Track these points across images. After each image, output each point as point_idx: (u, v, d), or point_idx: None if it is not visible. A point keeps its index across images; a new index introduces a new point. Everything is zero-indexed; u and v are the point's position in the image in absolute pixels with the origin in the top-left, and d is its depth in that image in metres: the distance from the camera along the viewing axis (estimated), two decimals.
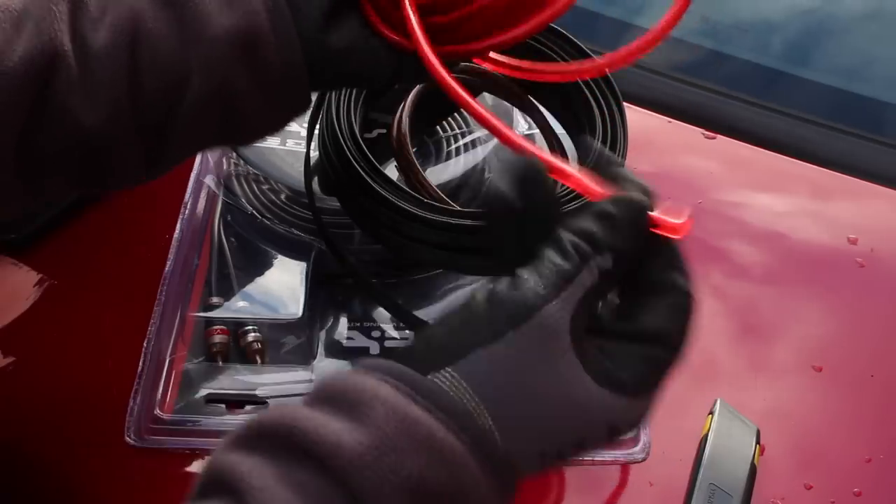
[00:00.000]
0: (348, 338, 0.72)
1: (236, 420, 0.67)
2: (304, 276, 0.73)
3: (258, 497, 0.36)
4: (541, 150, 0.46)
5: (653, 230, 0.43)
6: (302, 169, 0.72)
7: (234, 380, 0.69)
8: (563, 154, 0.72)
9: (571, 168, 0.45)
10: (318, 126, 0.70)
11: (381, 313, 0.73)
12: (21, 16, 0.49)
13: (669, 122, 0.91)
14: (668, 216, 0.43)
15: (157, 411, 0.67)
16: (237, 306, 0.73)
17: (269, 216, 0.76)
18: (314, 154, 0.71)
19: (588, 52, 0.71)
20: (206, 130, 0.54)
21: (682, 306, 0.44)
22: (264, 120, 0.56)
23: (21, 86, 0.48)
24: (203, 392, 0.68)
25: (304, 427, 0.37)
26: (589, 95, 0.69)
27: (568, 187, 0.52)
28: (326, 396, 0.39)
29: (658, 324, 0.43)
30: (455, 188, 0.73)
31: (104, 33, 0.50)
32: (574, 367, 0.40)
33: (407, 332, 0.71)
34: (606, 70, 0.66)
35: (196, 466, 0.67)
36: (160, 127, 0.52)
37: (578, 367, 0.41)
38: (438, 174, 0.73)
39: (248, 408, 0.68)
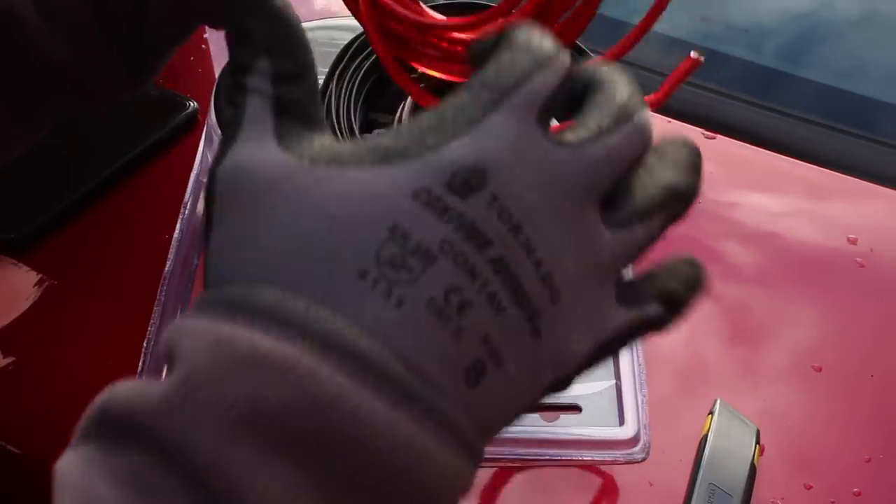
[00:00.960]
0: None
1: None
2: None
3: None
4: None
5: None
6: None
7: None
8: None
9: None
10: None
11: None
12: None
13: (669, 122, 0.91)
14: None
15: None
16: None
17: None
18: None
19: (588, 52, 0.70)
20: (184, 19, 0.47)
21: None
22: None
23: None
24: None
25: (117, 399, 0.29)
26: None
27: None
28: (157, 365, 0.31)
29: None
30: None
31: None
32: (315, 178, 0.30)
33: None
34: None
35: None
36: (134, 35, 0.47)
37: (324, 175, 0.30)
38: None
39: None
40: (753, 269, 0.82)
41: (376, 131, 0.72)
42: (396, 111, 0.71)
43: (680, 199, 0.35)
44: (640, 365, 0.70)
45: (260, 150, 0.31)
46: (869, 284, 0.81)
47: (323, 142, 0.31)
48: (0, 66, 0.45)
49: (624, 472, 0.68)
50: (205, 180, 0.77)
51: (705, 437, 0.67)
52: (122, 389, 0.29)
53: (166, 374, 0.28)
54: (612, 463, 0.67)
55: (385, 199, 0.29)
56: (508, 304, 0.29)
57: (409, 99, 0.71)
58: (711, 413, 0.68)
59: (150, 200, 0.82)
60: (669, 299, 0.36)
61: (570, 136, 0.32)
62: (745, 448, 0.67)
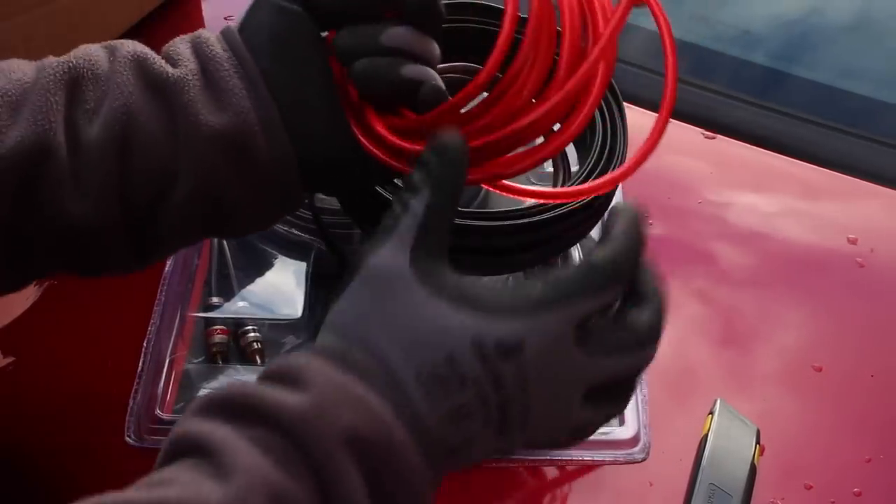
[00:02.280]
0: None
1: None
2: (304, 276, 0.73)
3: (225, 451, 0.40)
4: None
5: None
6: None
7: (234, 380, 0.69)
8: (562, 154, 0.72)
9: None
10: None
11: None
12: (18, 102, 0.50)
13: (669, 121, 0.91)
14: None
15: (158, 411, 0.67)
16: (237, 306, 0.73)
17: None
18: None
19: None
20: (195, 225, 0.54)
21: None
22: (254, 217, 0.56)
23: (9, 172, 0.49)
24: (203, 392, 0.68)
25: (255, 394, 0.42)
26: None
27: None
28: (268, 375, 0.44)
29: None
30: None
31: (97, 128, 0.51)
32: (423, 295, 0.45)
33: None
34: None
35: None
36: (148, 220, 0.53)
37: (429, 294, 0.45)
38: None
39: None
40: (752, 269, 0.82)
41: None
42: None
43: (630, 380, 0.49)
44: None
45: (396, 260, 0.45)
46: (869, 285, 0.81)
47: (439, 268, 0.45)
48: (23, 214, 0.51)
49: (624, 472, 0.68)
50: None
51: (705, 438, 0.67)
52: (254, 390, 0.42)
53: (284, 384, 0.43)
54: (612, 463, 0.67)
55: (453, 334, 0.44)
56: (494, 425, 0.45)
57: None
58: (711, 413, 0.68)
59: None
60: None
61: (592, 344, 0.45)
62: (745, 448, 0.67)
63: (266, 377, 0.44)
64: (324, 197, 0.71)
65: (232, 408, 0.42)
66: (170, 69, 0.52)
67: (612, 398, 0.49)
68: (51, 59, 0.52)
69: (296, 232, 0.75)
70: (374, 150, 0.54)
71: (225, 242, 0.76)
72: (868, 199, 0.88)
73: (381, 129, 0.54)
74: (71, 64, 0.52)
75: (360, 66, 0.52)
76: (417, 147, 0.51)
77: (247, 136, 0.52)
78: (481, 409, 0.44)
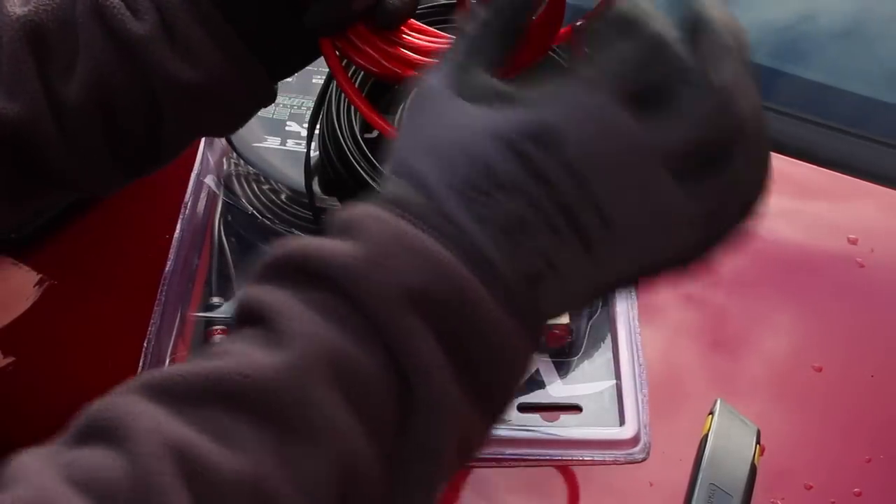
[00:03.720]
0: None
1: None
2: None
3: (278, 313, 0.37)
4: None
5: None
6: (302, 169, 0.72)
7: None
8: None
9: None
10: (318, 126, 0.70)
11: None
12: None
13: None
14: None
15: None
16: None
17: (269, 216, 0.76)
18: (314, 154, 0.71)
19: None
20: (185, 142, 0.59)
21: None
22: (238, 120, 0.61)
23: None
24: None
25: (310, 252, 0.38)
26: None
27: None
28: (330, 228, 0.40)
29: None
30: None
31: (75, 91, 0.53)
32: (454, 103, 0.41)
33: None
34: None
35: None
36: (138, 155, 0.57)
37: (460, 101, 0.41)
38: None
39: None
40: (750, 269, 0.82)
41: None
42: (397, 112, 0.71)
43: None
44: (640, 365, 0.70)
45: (437, 80, 0.42)
46: (869, 285, 0.81)
47: (478, 78, 0.41)
48: (15, 168, 0.54)
49: (624, 472, 0.68)
50: (205, 180, 0.77)
51: (705, 438, 0.67)
52: (309, 244, 0.38)
53: (340, 237, 0.38)
54: (613, 463, 0.67)
55: (482, 137, 0.39)
56: (566, 233, 0.38)
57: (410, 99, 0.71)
58: (712, 413, 0.68)
59: (150, 200, 0.82)
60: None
61: (644, 101, 0.38)
62: (745, 448, 0.67)
63: (328, 228, 0.40)
64: (324, 196, 0.71)
65: (286, 268, 0.39)
66: (133, 24, 0.53)
67: (711, 168, 0.39)
68: (8, 12, 0.53)
69: (296, 232, 0.75)
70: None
71: (225, 242, 0.76)
72: (869, 200, 0.88)
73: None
74: (31, 18, 0.53)
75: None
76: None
77: (222, 84, 0.55)
78: (536, 215, 0.38)
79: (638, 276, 0.41)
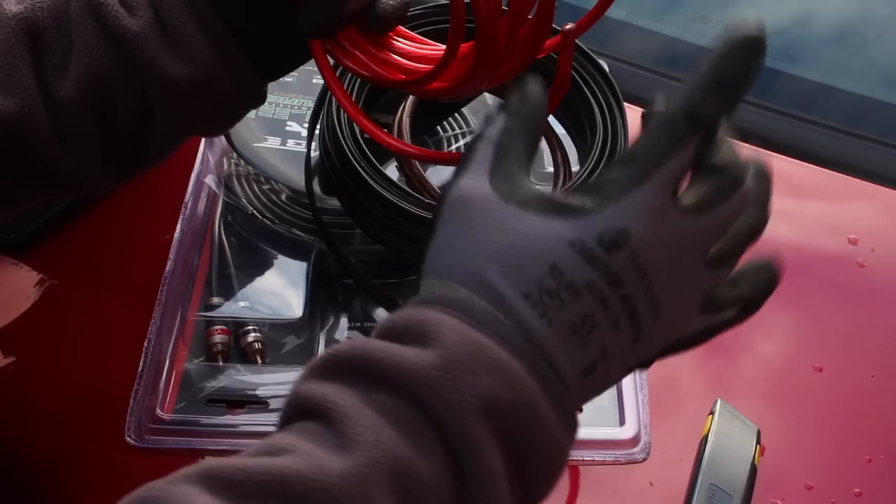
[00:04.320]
0: (348, 338, 0.72)
1: (237, 420, 0.67)
2: (304, 276, 0.73)
3: (344, 416, 0.37)
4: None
5: None
6: (302, 169, 0.72)
7: (235, 380, 0.69)
8: (563, 154, 0.72)
9: None
10: (318, 126, 0.70)
11: (381, 313, 0.73)
12: None
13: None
14: None
15: (158, 411, 0.67)
16: (237, 306, 0.73)
17: (269, 216, 0.76)
18: (314, 154, 0.71)
19: (588, 52, 0.71)
20: (176, 141, 0.59)
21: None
22: (228, 121, 0.61)
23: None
24: (203, 392, 0.68)
25: (379, 355, 0.39)
26: (589, 95, 0.69)
27: None
28: (392, 330, 0.40)
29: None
30: None
31: (70, 87, 0.53)
32: (511, 213, 0.42)
33: None
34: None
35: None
36: (131, 151, 0.57)
37: (517, 210, 0.42)
38: (439, 174, 0.73)
39: (248, 408, 0.68)
40: None
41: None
42: (396, 112, 0.71)
43: (754, 240, 0.47)
44: None
45: (477, 184, 0.43)
46: (869, 285, 0.81)
47: (521, 184, 0.43)
48: (8, 167, 0.54)
49: (624, 472, 0.68)
50: (205, 180, 0.77)
51: (706, 438, 0.67)
52: (374, 346, 0.39)
53: (411, 344, 0.39)
54: (613, 463, 0.67)
55: (551, 244, 0.41)
56: (625, 325, 0.41)
57: (409, 100, 0.71)
58: (712, 413, 0.68)
59: (150, 200, 0.82)
60: (746, 306, 0.47)
61: (691, 204, 0.42)
62: (745, 448, 0.67)
63: (385, 333, 0.40)
64: (324, 196, 0.71)
65: (355, 368, 0.39)
66: (127, 21, 0.53)
67: (733, 257, 0.46)
68: (3, 10, 0.53)
69: (296, 232, 0.75)
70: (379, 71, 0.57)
71: (225, 242, 0.76)
72: (869, 200, 0.88)
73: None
74: (26, 15, 0.53)
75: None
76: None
77: (214, 81, 0.55)
78: (604, 312, 0.41)
79: (660, 356, 0.45)
